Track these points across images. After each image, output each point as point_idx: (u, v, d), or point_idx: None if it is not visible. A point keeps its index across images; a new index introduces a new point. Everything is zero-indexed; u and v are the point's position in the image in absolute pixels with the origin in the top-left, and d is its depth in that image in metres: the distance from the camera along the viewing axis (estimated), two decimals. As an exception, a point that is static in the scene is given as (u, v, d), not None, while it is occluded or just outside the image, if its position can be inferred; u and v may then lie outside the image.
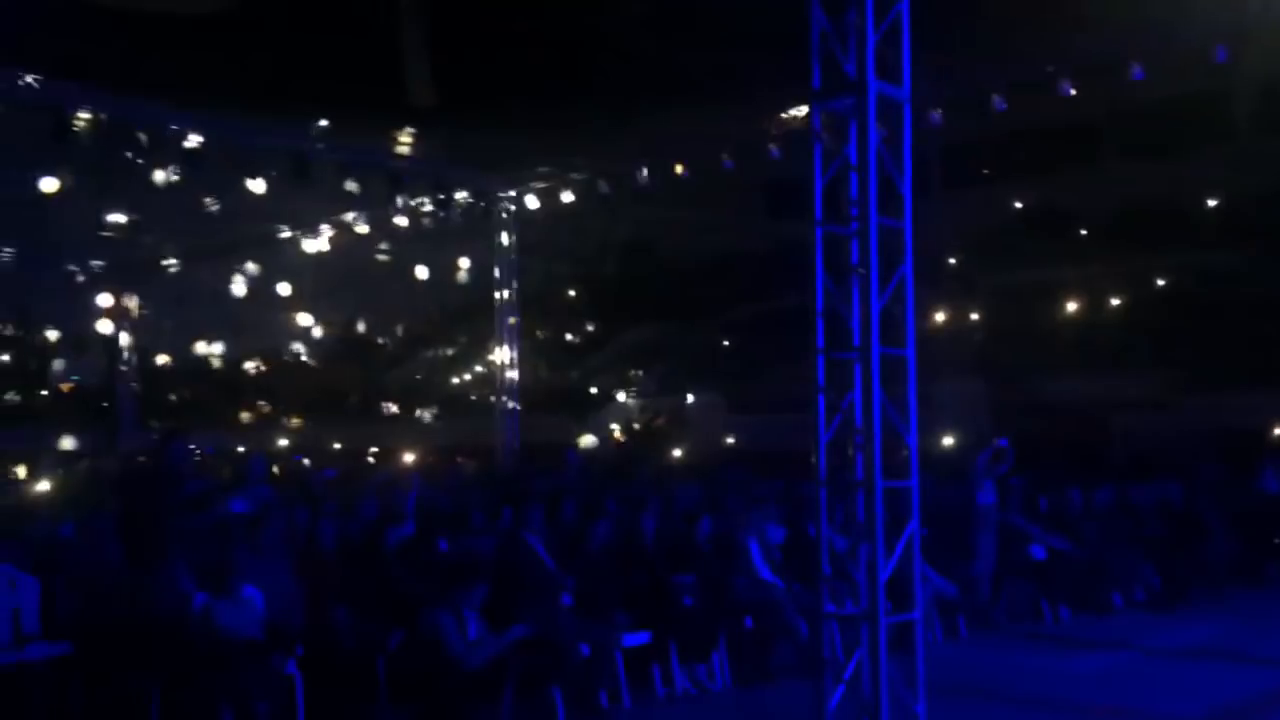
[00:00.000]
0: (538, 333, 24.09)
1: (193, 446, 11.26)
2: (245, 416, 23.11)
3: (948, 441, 18.14)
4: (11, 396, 19.37)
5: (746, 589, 9.17)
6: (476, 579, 7.70)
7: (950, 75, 12.61)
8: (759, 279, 24.10)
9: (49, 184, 17.82)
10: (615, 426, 25.22)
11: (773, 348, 20.32)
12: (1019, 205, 27.55)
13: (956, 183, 24.02)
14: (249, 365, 24.56)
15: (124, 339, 19.96)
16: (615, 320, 26.88)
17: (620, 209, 19.16)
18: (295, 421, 23.12)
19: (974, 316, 26.80)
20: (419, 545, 9.23)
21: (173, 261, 19.80)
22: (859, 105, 5.73)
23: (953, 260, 25.86)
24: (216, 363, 24.24)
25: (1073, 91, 13.01)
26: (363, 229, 19.65)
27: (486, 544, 9.33)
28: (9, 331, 20.56)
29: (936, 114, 13.43)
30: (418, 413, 24.62)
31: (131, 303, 19.96)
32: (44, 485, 12.34)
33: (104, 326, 19.86)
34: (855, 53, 5.76)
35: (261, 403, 23.88)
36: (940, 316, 25.59)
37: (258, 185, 17.50)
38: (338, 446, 23.10)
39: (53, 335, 21.22)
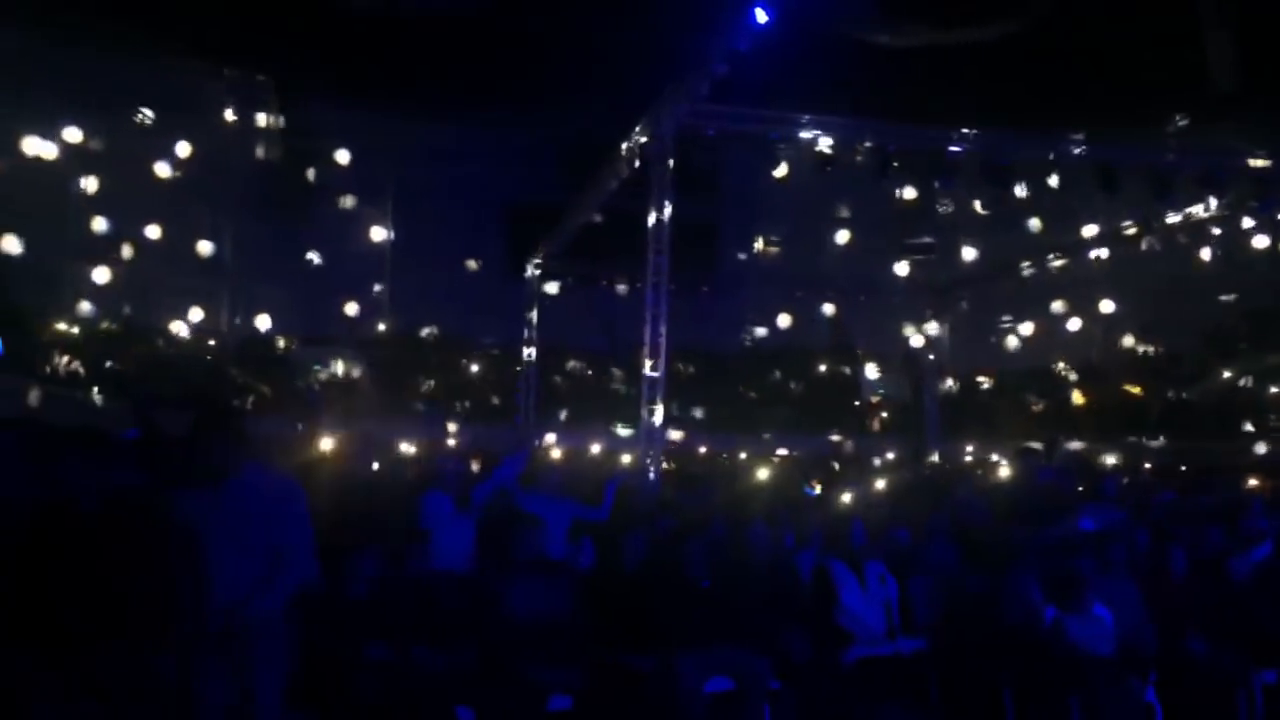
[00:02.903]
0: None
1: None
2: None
3: None
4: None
5: None
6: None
7: None
8: None
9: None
10: None
11: None
12: None
13: None
14: (1046, 378, 24.44)
15: (928, 355, 21.13)
16: None
17: None
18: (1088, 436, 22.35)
19: None
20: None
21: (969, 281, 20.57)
22: None
23: None
24: (1002, 378, 24.57)
25: None
26: (1162, 231, 18.44)
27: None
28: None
29: None
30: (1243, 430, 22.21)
31: (933, 324, 21.08)
32: (876, 489, 13.48)
33: (913, 343, 21.37)
34: None
35: (1051, 415, 23.58)
36: None
37: (1041, 198, 17.43)
38: (1112, 461, 21.90)
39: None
